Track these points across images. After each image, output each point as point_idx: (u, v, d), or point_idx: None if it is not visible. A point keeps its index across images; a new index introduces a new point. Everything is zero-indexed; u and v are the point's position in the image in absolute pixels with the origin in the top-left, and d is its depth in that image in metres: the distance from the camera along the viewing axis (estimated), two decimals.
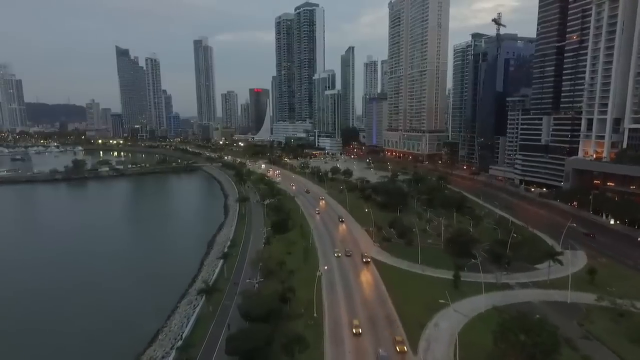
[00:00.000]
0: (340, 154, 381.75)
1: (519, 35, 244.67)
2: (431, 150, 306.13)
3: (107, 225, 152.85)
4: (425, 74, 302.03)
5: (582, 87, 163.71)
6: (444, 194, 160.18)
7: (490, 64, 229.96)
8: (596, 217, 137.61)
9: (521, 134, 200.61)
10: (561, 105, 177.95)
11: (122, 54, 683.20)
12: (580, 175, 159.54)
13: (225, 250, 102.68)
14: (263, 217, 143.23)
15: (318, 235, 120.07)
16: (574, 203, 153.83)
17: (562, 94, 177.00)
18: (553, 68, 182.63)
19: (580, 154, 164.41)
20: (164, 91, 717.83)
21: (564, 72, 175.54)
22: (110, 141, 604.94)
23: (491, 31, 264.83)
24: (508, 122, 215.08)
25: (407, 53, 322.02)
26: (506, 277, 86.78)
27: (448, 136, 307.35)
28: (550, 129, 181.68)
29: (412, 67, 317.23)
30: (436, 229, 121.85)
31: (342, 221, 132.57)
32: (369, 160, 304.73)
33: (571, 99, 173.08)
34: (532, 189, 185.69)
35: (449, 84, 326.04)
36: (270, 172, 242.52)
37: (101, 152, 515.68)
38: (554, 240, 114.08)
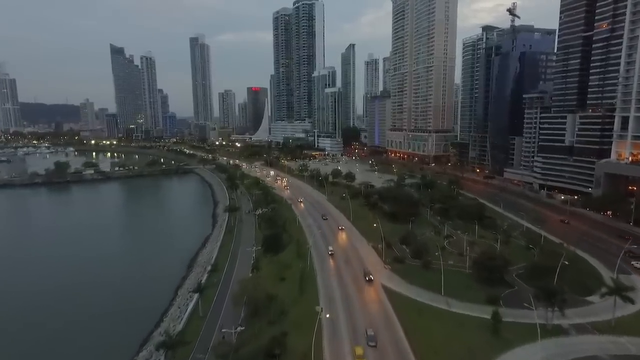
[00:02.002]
0: (341, 155, 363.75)
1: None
2: (438, 151, 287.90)
3: (72, 238, 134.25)
4: (431, 70, 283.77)
5: (615, 81, 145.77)
6: (461, 202, 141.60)
7: (505, 58, 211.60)
8: (638, 229, 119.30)
9: (541, 134, 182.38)
10: (588, 102, 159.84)
11: (116, 52, 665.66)
12: (613, 180, 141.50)
13: (203, 280, 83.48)
14: (255, 229, 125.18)
15: (318, 253, 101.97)
16: (608, 212, 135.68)
17: (590, 90, 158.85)
18: (578, 61, 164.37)
19: (613, 156, 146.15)
20: (160, 90, 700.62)
21: (591, 64, 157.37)
22: (104, 142, 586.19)
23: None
24: (525, 121, 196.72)
25: (412, 48, 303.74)
26: (556, 314, 68.56)
27: (456, 136, 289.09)
28: (576, 129, 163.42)
29: (418, 63, 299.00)
30: (456, 246, 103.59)
31: (342, 228, 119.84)
32: (372, 162, 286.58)
33: (600, 95, 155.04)
34: (555, 195, 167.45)
35: (457, 80, 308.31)
36: (278, 182, 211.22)
37: (94, 153, 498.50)
38: (596, 259, 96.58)
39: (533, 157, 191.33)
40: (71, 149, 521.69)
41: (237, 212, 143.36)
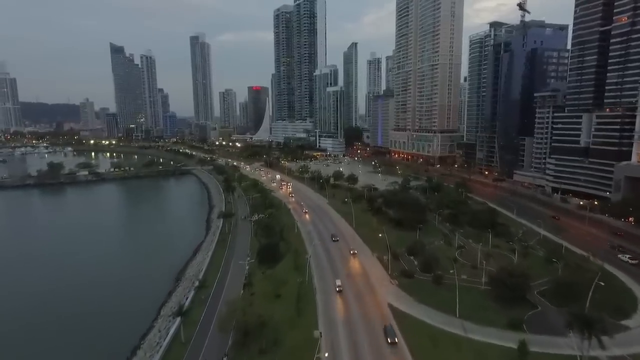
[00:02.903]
0: (343, 156, 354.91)
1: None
2: (443, 152, 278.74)
3: (55, 244, 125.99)
4: (436, 68, 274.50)
5: (635, 78, 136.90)
6: (471, 207, 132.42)
7: (515, 54, 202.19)
8: None
9: (553, 135, 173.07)
10: (606, 101, 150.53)
11: (116, 51, 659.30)
12: (634, 184, 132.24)
13: (189, 297, 74.24)
14: (250, 236, 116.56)
15: (317, 264, 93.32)
16: (630, 219, 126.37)
17: (607, 88, 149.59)
18: (595, 57, 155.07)
19: (634, 158, 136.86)
20: (161, 90, 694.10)
21: (609, 61, 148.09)
22: (103, 141, 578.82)
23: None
24: (536, 120, 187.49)
25: (417, 46, 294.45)
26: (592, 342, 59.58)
27: (462, 136, 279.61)
28: (592, 129, 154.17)
29: (422, 61, 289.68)
30: (469, 258, 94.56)
31: (355, 253, 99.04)
32: (375, 163, 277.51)
33: (619, 93, 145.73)
34: (569, 199, 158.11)
35: (463, 78, 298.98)
36: (283, 189, 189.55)
37: (93, 153, 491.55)
38: (625, 274, 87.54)
39: (545, 158, 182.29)
40: (69, 149, 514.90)
41: (232, 217, 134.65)
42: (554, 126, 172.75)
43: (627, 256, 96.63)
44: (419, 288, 79.95)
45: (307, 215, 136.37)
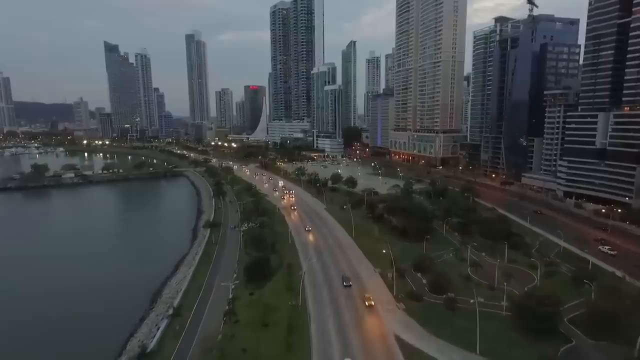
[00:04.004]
0: (342, 157, 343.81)
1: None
2: (446, 153, 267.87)
3: (24, 256, 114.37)
4: (439, 66, 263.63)
5: None
6: (482, 215, 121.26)
7: (523, 50, 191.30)
8: None
9: (566, 136, 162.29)
10: (624, 99, 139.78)
11: (111, 49, 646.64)
12: None
13: (155, 336, 62.01)
14: (239, 247, 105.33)
15: (313, 283, 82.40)
16: None
17: (626, 85, 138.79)
18: (612, 52, 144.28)
19: None
20: (156, 89, 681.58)
21: (627, 56, 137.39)
22: (96, 142, 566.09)
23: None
24: (546, 120, 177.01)
25: (418, 42, 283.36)
26: None
27: (466, 137, 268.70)
28: (609, 129, 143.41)
29: (424, 59, 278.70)
30: (485, 275, 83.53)
31: (371, 304, 72.65)
32: (375, 164, 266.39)
33: (639, 91, 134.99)
34: (584, 205, 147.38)
35: (465, 77, 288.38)
36: (286, 200, 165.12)
37: (85, 154, 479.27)
38: None
39: (555, 160, 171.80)
40: (61, 149, 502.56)
41: (221, 227, 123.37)
42: (566, 126, 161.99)
43: None
44: (430, 314, 69.07)
45: (310, 236, 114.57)
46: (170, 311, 66.54)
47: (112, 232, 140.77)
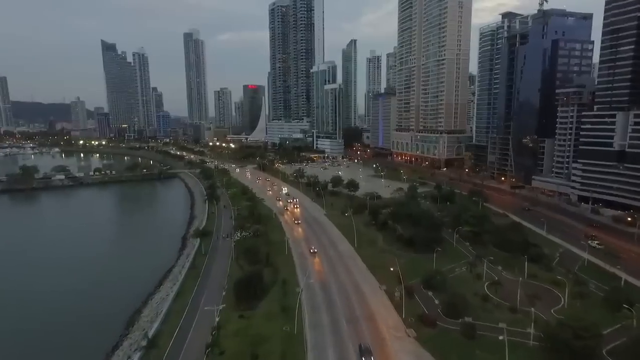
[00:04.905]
0: (342, 158, 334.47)
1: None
2: (450, 155, 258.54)
3: None
4: (443, 64, 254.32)
5: None
6: (495, 224, 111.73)
7: (533, 47, 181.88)
8: None
9: (581, 136, 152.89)
10: None
11: (108, 48, 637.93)
12: None
13: None
14: (230, 259, 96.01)
15: (311, 302, 73.24)
16: None
17: None
18: (632, 47, 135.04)
19: None
20: (155, 89, 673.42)
21: None
22: (92, 142, 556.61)
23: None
24: (558, 120, 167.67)
25: (421, 40, 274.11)
26: None
27: (471, 138, 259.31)
28: (629, 130, 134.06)
29: (427, 57, 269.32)
30: (504, 294, 74.14)
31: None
32: (377, 165, 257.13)
33: None
34: (601, 210, 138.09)
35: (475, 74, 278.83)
36: (289, 212, 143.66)
37: (82, 154, 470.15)
38: None
39: (568, 162, 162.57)
40: (56, 150, 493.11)
41: (212, 235, 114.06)
42: (581, 127, 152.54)
43: None
44: (446, 344, 59.77)
45: (316, 260, 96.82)
46: (144, 342, 57.10)
47: (96, 239, 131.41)
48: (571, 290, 72.40)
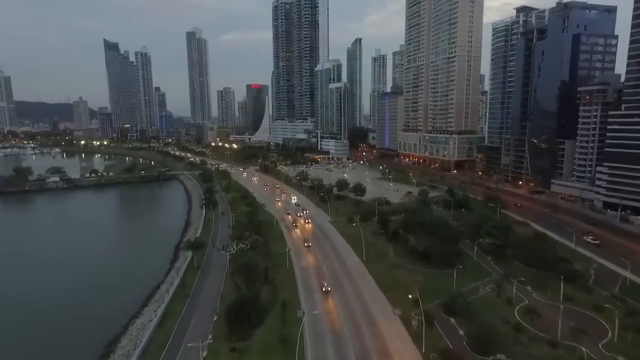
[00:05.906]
0: (348, 159, 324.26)
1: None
2: (461, 156, 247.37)
3: None
4: (453, 61, 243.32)
5: None
6: (518, 235, 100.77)
7: (552, 42, 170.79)
8: None
9: (607, 138, 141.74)
10: None
11: (110, 47, 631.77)
12: None
13: None
14: (225, 276, 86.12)
15: (315, 332, 63.14)
16: None
17: None
18: None
19: None
20: (157, 89, 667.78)
21: None
22: (94, 142, 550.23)
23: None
24: (580, 120, 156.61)
25: (430, 37, 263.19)
26: None
27: (483, 139, 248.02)
28: None
29: (437, 54, 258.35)
30: (540, 324, 63.54)
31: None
32: (384, 167, 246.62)
33: None
34: (631, 218, 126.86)
35: (483, 72, 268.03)
36: (299, 226, 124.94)
37: (83, 155, 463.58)
38: None
39: (591, 165, 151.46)
40: (57, 150, 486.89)
41: (207, 246, 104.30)
42: (608, 127, 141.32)
43: None
44: None
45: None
46: None
47: (82, 246, 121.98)
48: (620, 319, 61.70)
